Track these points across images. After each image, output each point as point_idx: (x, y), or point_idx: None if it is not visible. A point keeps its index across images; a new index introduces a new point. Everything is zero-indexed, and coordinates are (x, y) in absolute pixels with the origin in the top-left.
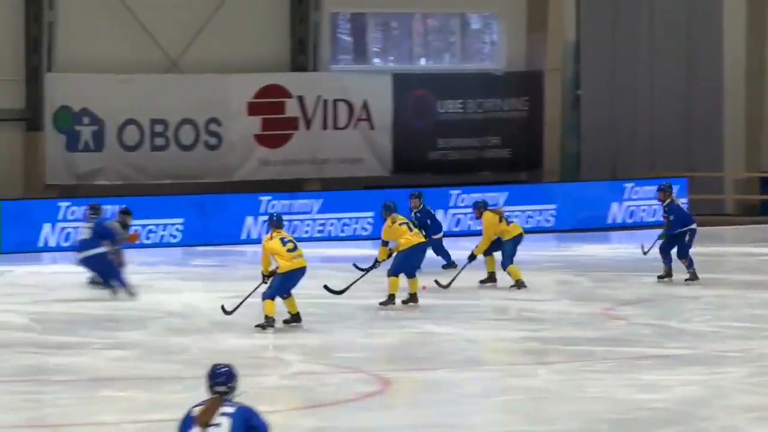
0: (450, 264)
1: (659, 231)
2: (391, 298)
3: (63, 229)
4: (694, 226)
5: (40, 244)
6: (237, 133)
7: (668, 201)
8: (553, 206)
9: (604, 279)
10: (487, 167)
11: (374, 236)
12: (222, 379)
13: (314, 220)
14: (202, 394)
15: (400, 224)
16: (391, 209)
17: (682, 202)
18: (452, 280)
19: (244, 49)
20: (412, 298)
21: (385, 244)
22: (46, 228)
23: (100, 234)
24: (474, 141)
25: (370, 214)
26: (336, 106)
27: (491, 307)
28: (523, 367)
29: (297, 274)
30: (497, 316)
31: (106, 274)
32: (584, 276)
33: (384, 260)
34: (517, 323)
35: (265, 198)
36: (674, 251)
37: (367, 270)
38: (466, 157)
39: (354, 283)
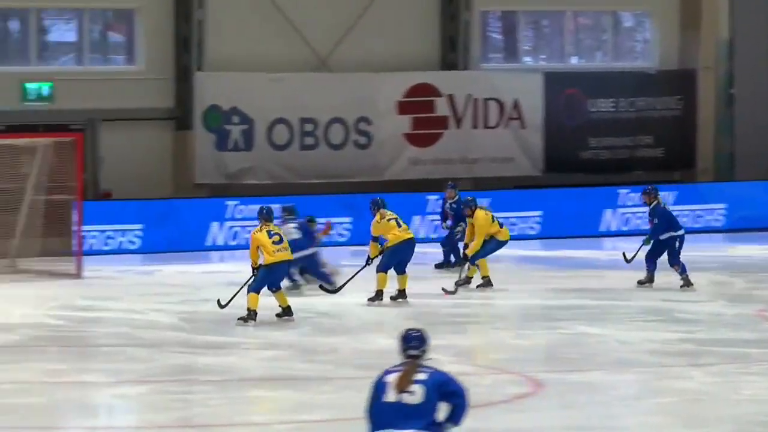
0: (445, 263)
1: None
2: (378, 294)
3: (231, 227)
4: (682, 232)
5: (208, 242)
6: (387, 132)
7: (653, 204)
8: (722, 206)
9: (759, 280)
10: (640, 167)
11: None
12: (416, 342)
13: None
14: (352, 394)
15: (388, 220)
16: (380, 204)
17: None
18: (458, 287)
19: (394, 48)
20: (401, 294)
21: (375, 240)
22: (214, 227)
23: (309, 235)
24: (626, 140)
25: (523, 213)
26: (486, 105)
27: (643, 309)
28: (677, 369)
29: (282, 266)
30: (649, 317)
31: (317, 274)
32: (739, 277)
33: (375, 257)
34: (671, 324)
35: (432, 197)
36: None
37: (361, 268)
38: (618, 157)
39: (349, 281)
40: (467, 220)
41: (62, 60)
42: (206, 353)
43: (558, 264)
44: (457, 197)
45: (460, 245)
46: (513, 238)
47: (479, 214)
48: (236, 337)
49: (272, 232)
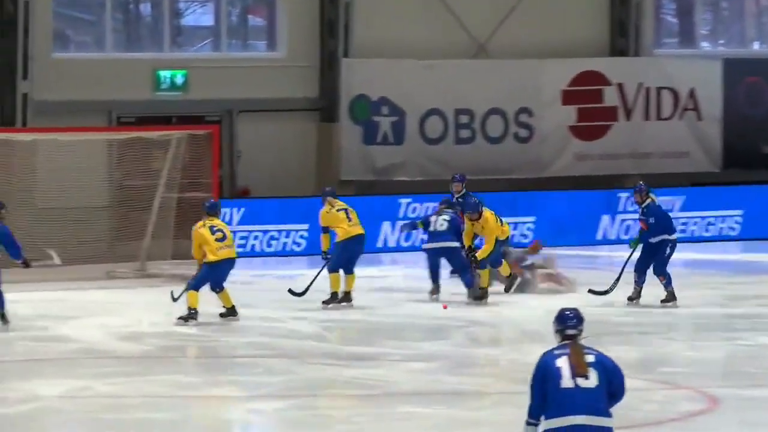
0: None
1: None
2: (333, 297)
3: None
4: (675, 236)
5: (379, 244)
6: (550, 125)
7: (647, 202)
8: None
9: None
10: None
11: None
12: (574, 321)
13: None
14: (511, 411)
15: (338, 210)
16: (328, 193)
17: None
18: (480, 296)
19: (558, 32)
20: (346, 297)
21: (326, 231)
22: (386, 226)
23: (457, 229)
24: None
25: (699, 213)
26: (659, 95)
27: None
28: None
29: (224, 265)
30: None
31: (461, 268)
32: None
33: (328, 249)
34: None
35: (623, 195)
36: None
37: (322, 268)
38: None
39: (312, 283)
40: (468, 222)
41: (198, 46)
42: (351, 365)
43: (733, 268)
44: (463, 191)
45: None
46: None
47: (488, 215)
48: (384, 347)
49: (215, 228)
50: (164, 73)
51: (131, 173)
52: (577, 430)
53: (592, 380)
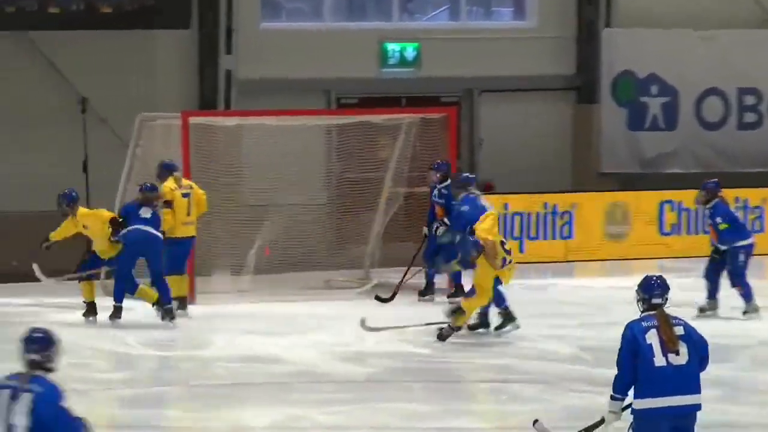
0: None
1: None
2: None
3: None
4: (751, 240)
5: None
6: None
7: (714, 201)
8: None
9: None
10: None
11: None
12: (660, 290)
13: None
14: None
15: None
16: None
17: None
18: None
19: None
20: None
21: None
22: None
23: (739, 224)
24: None
25: None
26: None
27: None
28: None
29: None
30: None
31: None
32: None
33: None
34: None
35: None
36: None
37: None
38: None
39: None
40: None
41: (432, 15)
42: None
43: None
44: (448, 183)
45: None
46: None
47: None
48: None
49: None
50: (392, 47)
51: (353, 165)
52: (671, 411)
53: (683, 356)
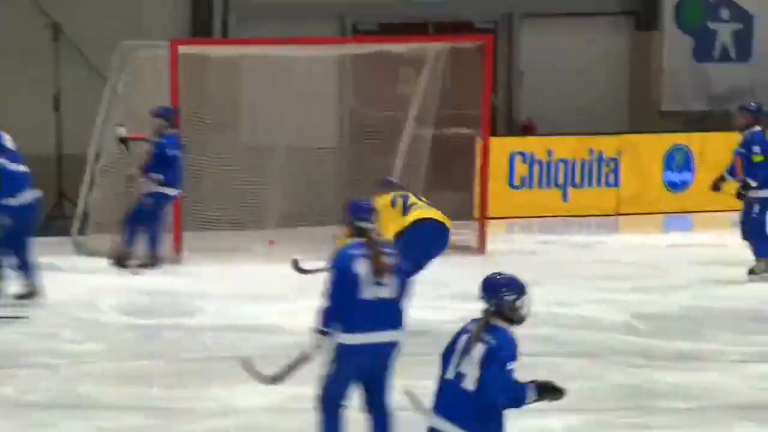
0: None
1: None
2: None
3: None
4: None
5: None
6: None
7: (754, 129)
8: None
9: None
10: None
11: None
12: (369, 214)
13: None
14: None
15: None
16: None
17: None
18: None
19: None
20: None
21: None
22: None
23: None
24: None
25: None
26: None
27: None
28: None
29: None
30: None
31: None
32: None
33: None
34: None
35: None
36: None
37: None
38: None
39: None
40: None
41: None
42: (672, 367)
43: None
44: None
45: None
46: None
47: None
48: (716, 343)
49: None
50: None
51: (370, 101)
52: (371, 348)
53: (390, 288)
